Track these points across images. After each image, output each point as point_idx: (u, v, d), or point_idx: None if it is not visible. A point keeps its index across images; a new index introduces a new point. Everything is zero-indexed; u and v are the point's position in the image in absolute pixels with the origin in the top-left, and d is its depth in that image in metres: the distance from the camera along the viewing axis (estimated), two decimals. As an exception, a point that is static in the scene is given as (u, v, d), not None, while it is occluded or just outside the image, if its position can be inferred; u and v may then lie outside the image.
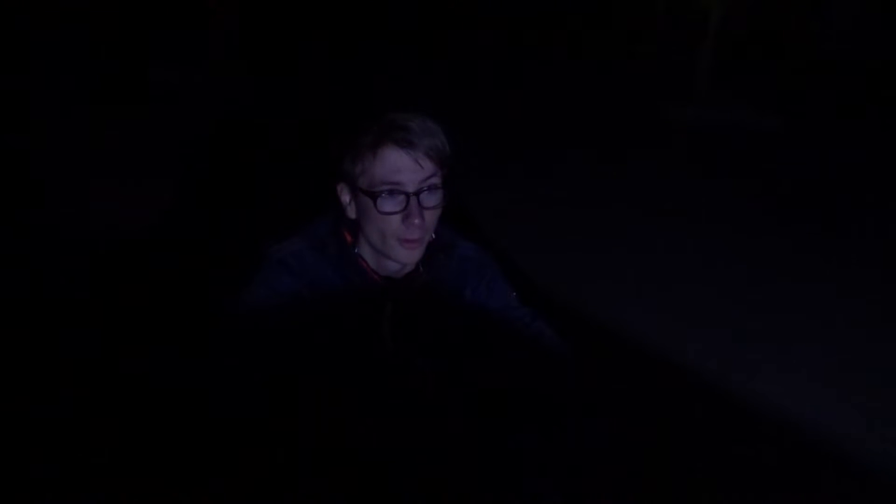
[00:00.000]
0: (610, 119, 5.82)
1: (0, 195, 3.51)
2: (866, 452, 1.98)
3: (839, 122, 5.98)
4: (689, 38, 6.67)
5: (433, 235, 1.26)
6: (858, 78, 6.83)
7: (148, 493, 1.55)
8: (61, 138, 4.55)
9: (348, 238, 1.24)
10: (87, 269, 2.77)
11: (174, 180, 3.76)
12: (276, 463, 1.12)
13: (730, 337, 2.59)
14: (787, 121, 5.85)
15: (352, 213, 1.21)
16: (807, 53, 7.12)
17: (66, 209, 3.43)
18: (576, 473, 1.16)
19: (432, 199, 1.15)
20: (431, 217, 1.17)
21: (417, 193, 1.13)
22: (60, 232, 3.16)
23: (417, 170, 1.13)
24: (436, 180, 1.15)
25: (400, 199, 1.13)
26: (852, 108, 6.21)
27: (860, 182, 4.51)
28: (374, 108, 1.22)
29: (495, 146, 4.81)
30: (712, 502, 1.79)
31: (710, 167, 4.71)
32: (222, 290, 1.27)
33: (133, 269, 2.74)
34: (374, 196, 1.13)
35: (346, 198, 1.21)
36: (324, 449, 1.14)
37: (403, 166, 1.13)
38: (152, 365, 1.95)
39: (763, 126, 5.85)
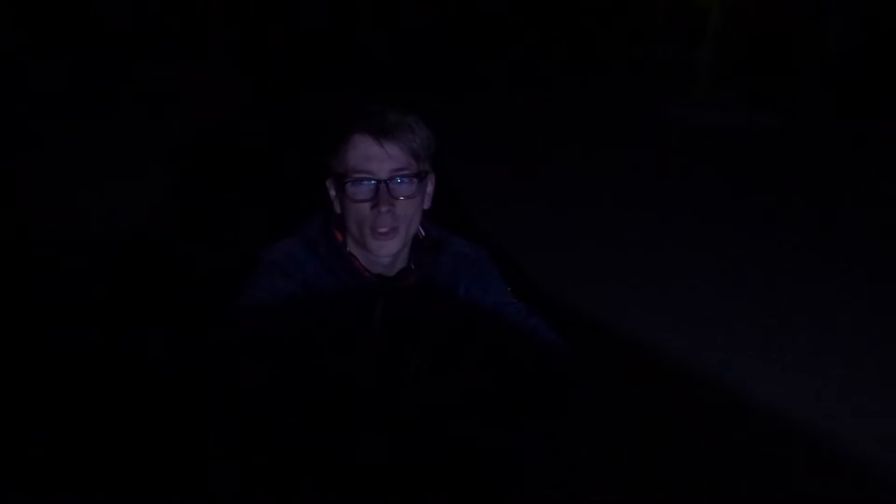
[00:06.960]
0: (610, 119, 5.82)
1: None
2: (863, 452, 1.98)
3: (839, 123, 5.98)
4: (689, 38, 6.68)
5: (422, 232, 1.26)
6: (859, 78, 6.83)
7: (147, 492, 1.55)
8: (57, 138, 4.55)
9: (339, 236, 1.24)
10: (83, 269, 2.76)
11: (170, 181, 3.76)
12: (273, 463, 1.12)
13: (729, 336, 2.58)
14: (788, 121, 5.85)
15: (338, 206, 1.22)
16: (807, 53, 7.12)
17: (62, 209, 3.43)
18: (576, 473, 1.15)
19: (403, 190, 1.16)
20: (404, 208, 1.17)
21: (387, 182, 1.14)
22: (55, 232, 3.15)
23: (387, 159, 1.14)
24: (409, 172, 1.16)
25: (369, 187, 1.15)
26: (852, 109, 6.22)
27: (860, 182, 4.51)
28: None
29: (494, 145, 4.81)
30: (711, 501, 1.79)
31: (710, 167, 4.71)
32: (219, 292, 1.27)
33: (129, 270, 2.73)
34: (344, 182, 1.15)
35: (332, 192, 1.23)
36: (321, 450, 1.14)
37: (373, 155, 1.14)
38: (151, 366, 1.95)
39: (763, 126, 5.85)
